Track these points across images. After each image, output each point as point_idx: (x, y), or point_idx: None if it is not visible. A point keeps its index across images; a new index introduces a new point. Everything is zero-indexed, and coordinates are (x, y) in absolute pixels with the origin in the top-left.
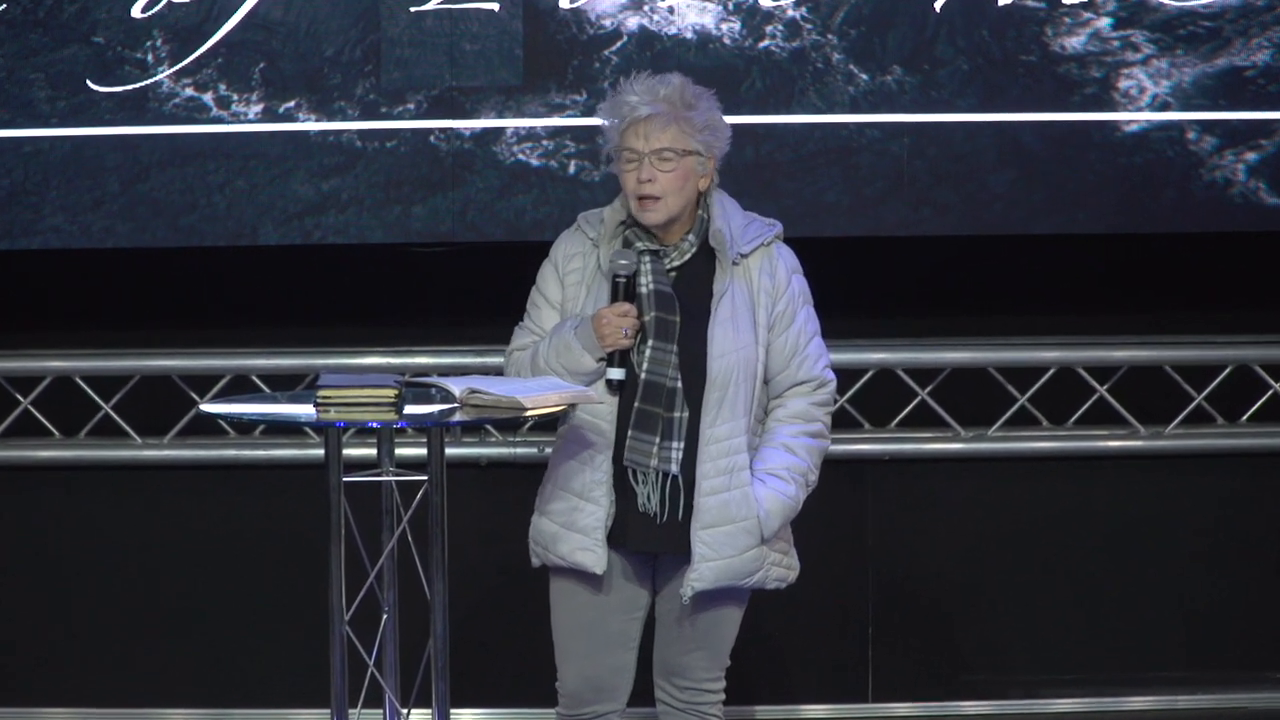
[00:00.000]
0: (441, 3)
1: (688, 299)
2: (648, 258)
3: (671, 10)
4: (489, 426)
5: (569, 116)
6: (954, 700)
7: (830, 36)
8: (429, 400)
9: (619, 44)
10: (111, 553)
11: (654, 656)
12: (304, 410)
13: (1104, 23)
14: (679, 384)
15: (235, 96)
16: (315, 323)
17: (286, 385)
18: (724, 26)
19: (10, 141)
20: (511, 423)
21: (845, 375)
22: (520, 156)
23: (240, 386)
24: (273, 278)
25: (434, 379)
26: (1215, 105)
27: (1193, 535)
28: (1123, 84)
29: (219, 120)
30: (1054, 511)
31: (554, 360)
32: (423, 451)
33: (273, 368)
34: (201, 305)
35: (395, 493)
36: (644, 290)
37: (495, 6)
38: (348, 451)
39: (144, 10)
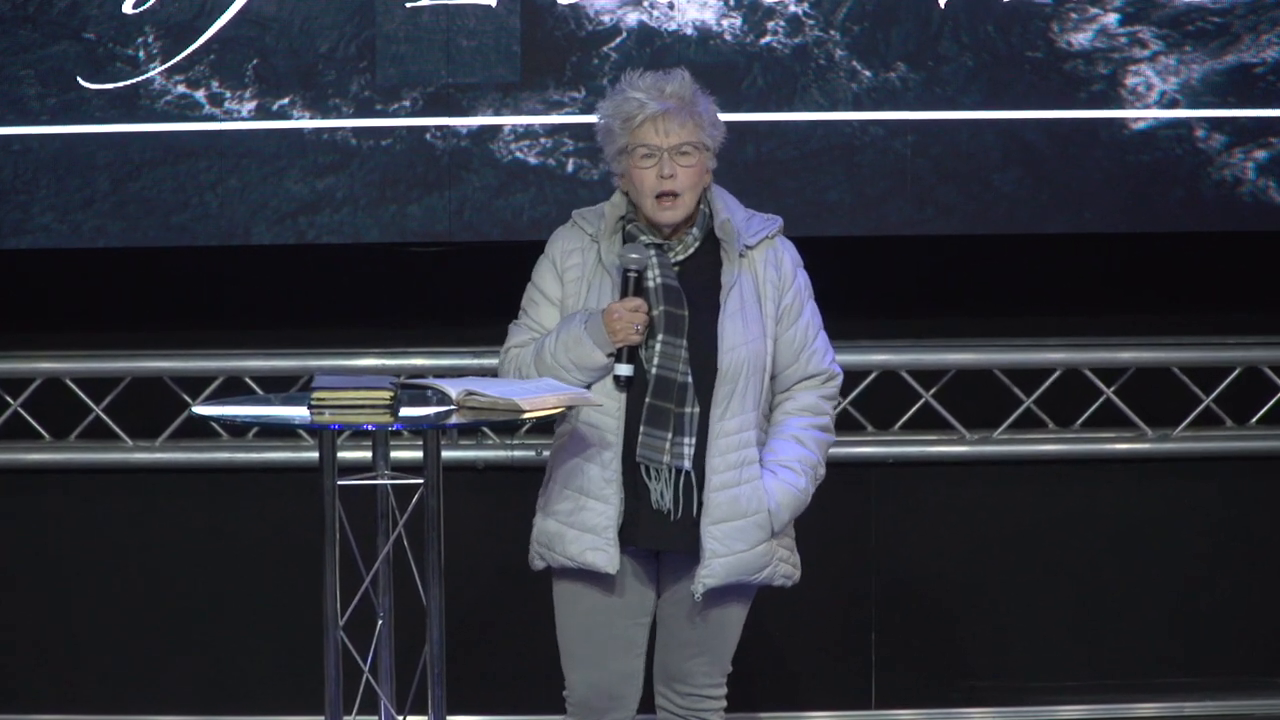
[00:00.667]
0: None
1: (694, 293)
2: (653, 251)
3: (672, 6)
4: (486, 429)
5: (567, 114)
6: (958, 707)
7: (833, 33)
8: (425, 402)
9: (618, 40)
10: (103, 557)
11: (655, 662)
12: (298, 412)
13: (1111, 19)
14: (689, 379)
15: (228, 93)
16: (309, 323)
17: (280, 387)
18: (725, 22)
19: None
20: (509, 425)
21: (848, 377)
22: (518, 155)
23: (233, 388)
24: (266, 278)
25: (430, 380)
26: (1224, 102)
27: (1200, 538)
28: (1130, 81)
29: (211, 118)
30: (1060, 515)
31: (562, 355)
32: (419, 454)
33: (266, 369)
34: (194, 306)
35: (391, 496)
36: (651, 284)
37: (492, 2)
38: (342, 454)
39: (135, 6)
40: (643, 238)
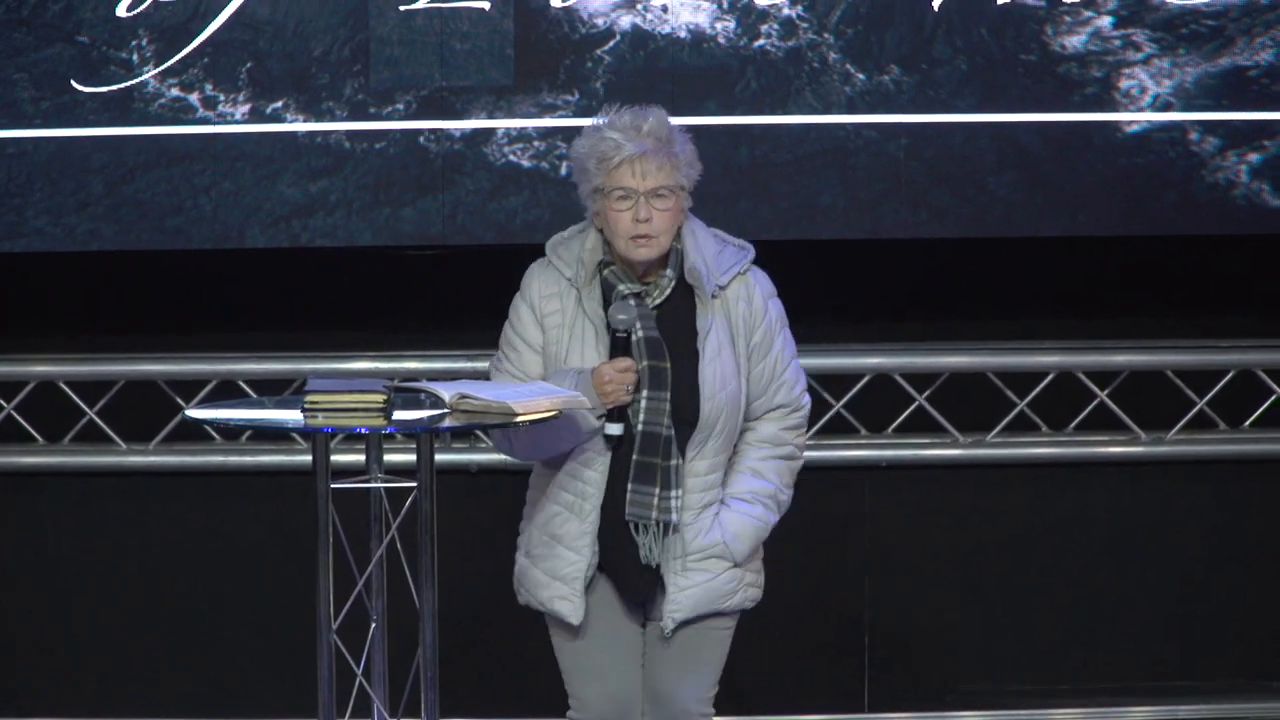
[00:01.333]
0: (431, 1)
1: (672, 338)
2: (633, 301)
3: (665, 9)
4: (479, 432)
5: (561, 117)
6: (952, 710)
7: (827, 35)
8: (418, 405)
9: (612, 43)
10: (97, 560)
11: (644, 682)
12: (291, 416)
13: (1105, 21)
14: (673, 431)
15: (222, 97)
16: (303, 327)
17: (274, 390)
18: (718, 25)
19: None
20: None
21: (842, 381)
22: (511, 158)
23: (227, 391)
24: (260, 281)
25: (423, 384)
26: (1218, 105)
27: (1194, 542)
28: (1124, 84)
29: (205, 121)
30: (1054, 518)
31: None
32: (412, 457)
33: (260, 372)
34: (188, 309)
35: (384, 499)
36: (634, 338)
37: (486, 5)
38: (336, 457)
39: (129, 9)
40: (622, 285)
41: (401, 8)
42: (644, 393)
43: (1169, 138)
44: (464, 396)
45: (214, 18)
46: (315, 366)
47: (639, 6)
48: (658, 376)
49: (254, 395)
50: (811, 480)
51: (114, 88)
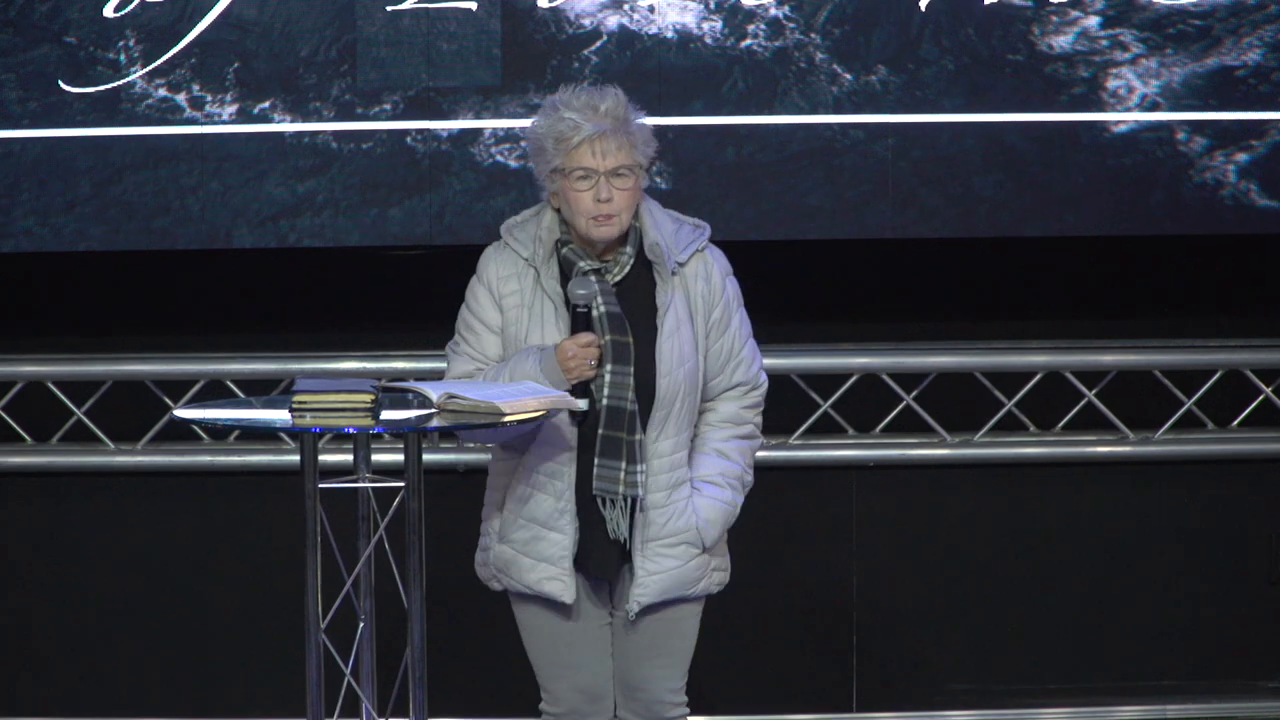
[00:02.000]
0: (418, 2)
1: (632, 314)
2: (594, 278)
3: (652, 9)
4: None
5: None
6: (940, 710)
7: (813, 36)
8: (406, 405)
9: (598, 44)
10: (84, 560)
11: (615, 678)
12: (279, 416)
13: (1092, 21)
14: (636, 406)
15: (209, 97)
16: (291, 327)
17: (262, 390)
18: (705, 25)
19: None
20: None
21: (829, 380)
22: (499, 158)
23: (215, 391)
24: (247, 281)
25: (411, 384)
26: (1205, 105)
27: (1183, 542)
28: (1111, 84)
29: (192, 121)
30: (1042, 518)
31: None
32: (400, 457)
33: (248, 372)
34: (175, 309)
35: (372, 499)
36: (596, 313)
37: (473, 6)
38: (323, 457)
39: (116, 10)
40: (582, 263)
41: (388, 8)
42: (608, 367)
43: (1156, 138)
44: (452, 396)
45: (201, 18)
46: (303, 366)
47: (626, 7)
48: (620, 351)
49: (242, 395)
50: (799, 480)
51: (101, 88)
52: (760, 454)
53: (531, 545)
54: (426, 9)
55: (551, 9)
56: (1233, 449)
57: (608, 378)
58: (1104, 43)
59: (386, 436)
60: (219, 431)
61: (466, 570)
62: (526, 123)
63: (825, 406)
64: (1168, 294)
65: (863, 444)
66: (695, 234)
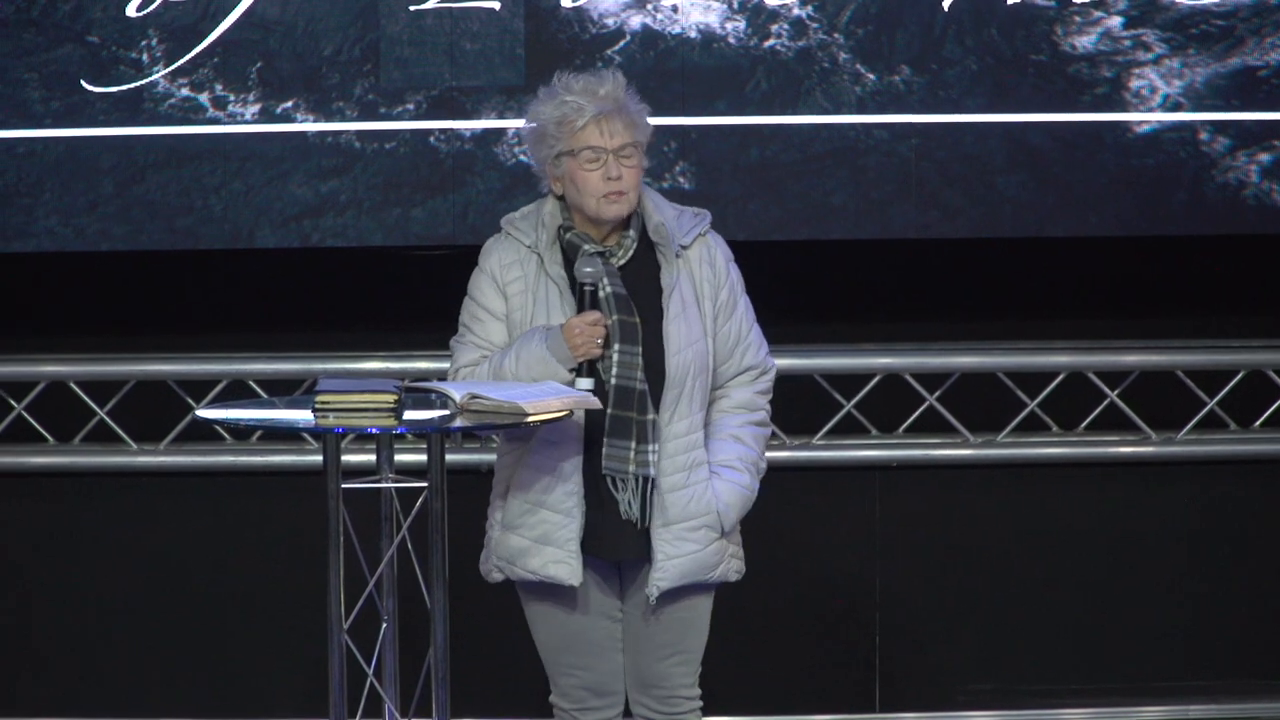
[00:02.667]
0: (441, 1)
1: (638, 297)
2: (599, 260)
3: (675, 9)
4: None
5: None
6: (962, 710)
7: (837, 36)
8: (429, 405)
9: (622, 43)
10: (107, 560)
11: (628, 671)
12: (302, 416)
13: (1115, 21)
14: (646, 386)
15: (232, 97)
16: (313, 327)
17: (284, 390)
18: (729, 25)
19: (3, 143)
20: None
21: (852, 380)
22: (522, 158)
23: (237, 392)
24: (270, 281)
25: (434, 384)
26: (1228, 105)
27: (1204, 542)
28: (1134, 84)
29: (215, 121)
30: (1064, 518)
31: (524, 374)
32: (423, 457)
33: (270, 372)
34: (198, 309)
35: (395, 499)
36: (603, 294)
37: (496, 5)
38: (346, 458)
39: (139, 9)
40: (586, 247)
41: (412, 8)
42: (616, 347)
43: (1179, 138)
44: (475, 396)
45: (224, 17)
46: (326, 366)
47: (649, 6)
48: (628, 331)
49: (264, 395)
50: (822, 480)
51: (124, 88)
52: (783, 454)
53: (537, 530)
54: (450, 8)
55: (575, 9)
56: (1255, 449)
57: (615, 357)
58: (1127, 43)
59: (410, 437)
60: (241, 432)
61: None
62: None
63: (848, 407)
64: (1190, 294)
65: (885, 444)
66: (697, 219)
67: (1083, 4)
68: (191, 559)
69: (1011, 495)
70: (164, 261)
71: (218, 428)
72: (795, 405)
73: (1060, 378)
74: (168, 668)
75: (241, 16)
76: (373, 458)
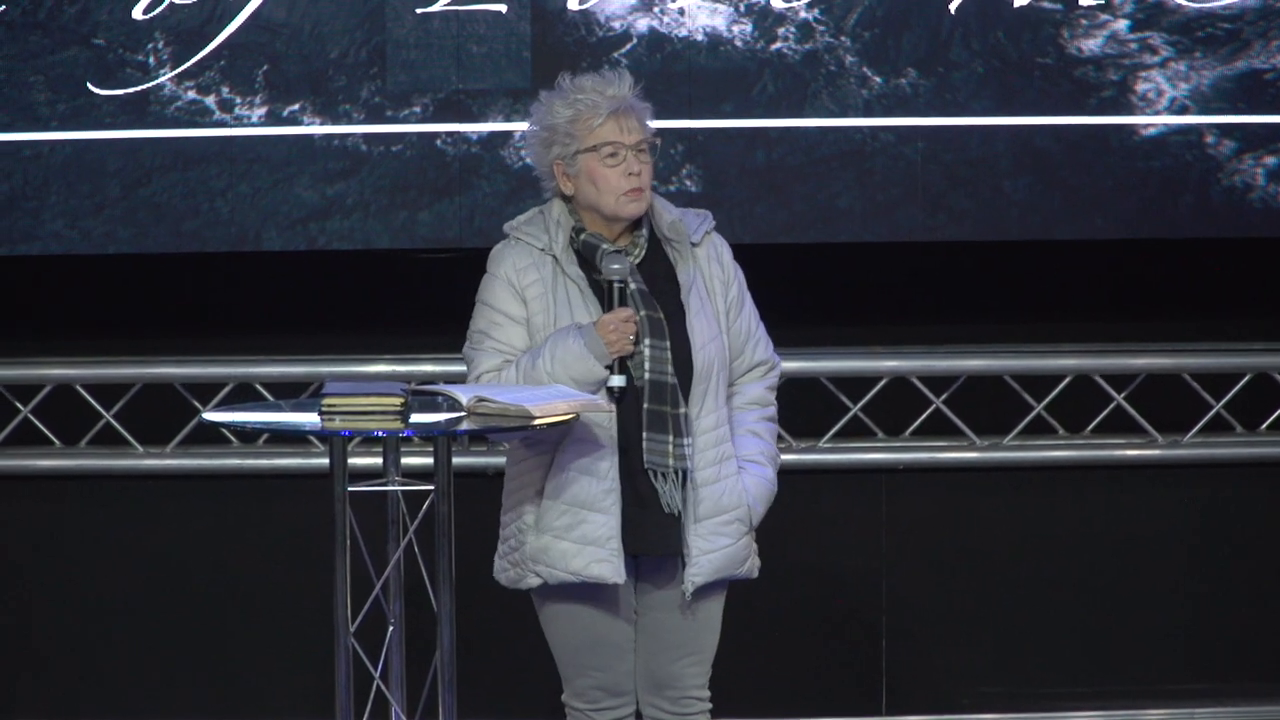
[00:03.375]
0: (448, 4)
1: (657, 294)
2: (624, 257)
3: (682, 12)
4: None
5: None
6: (969, 713)
7: (843, 39)
8: (436, 408)
9: (629, 46)
10: (113, 563)
11: (639, 672)
12: (308, 419)
13: (1121, 25)
14: (676, 380)
15: (238, 99)
16: (320, 330)
17: (291, 393)
18: (735, 28)
19: (10, 145)
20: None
21: (859, 383)
22: (528, 161)
23: (243, 394)
24: (277, 284)
25: (441, 387)
26: (1234, 108)
27: (1211, 544)
28: (1140, 87)
29: (222, 124)
30: (1071, 521)
31: (562, 373)
32: (429, 461)
33: (277, 375)
34: (204, 312)
35: (401, 502)
36: (630, 289)
37: (503, 8)
38: (353, 461)
39: (145, 12)
40: (605, 246)
41: (418, 10)
42: (646, 342)
43: (1185, 141)
44: (481, 399)
45: (230, 20)
46: (332, 369)
47: (656, 9)
48: (656, 326)
49: (271, 398)
50: (829, 483)
51: (130, 90)
52: (790, 456)
53: (576, 530)
54: (456, 11)
55: (582, 11)
56: (1262, 452)
57: (647, 352)
58: (1133, 46)
59: (416, 440)
60: (248, 434)
61: None
62: None
63: (855, 410)
64: (1196, 297)
65: (892, 447)
66: (701, 218)
67: (1089, 7)
68: (197, 562)
69: (1018, 498)
70: (170, 264)
71: (224, 430)
72: (802, 408)
73: (1067, 380)
74: (174, 671)
75: (248, 19)
76: (379, 461)
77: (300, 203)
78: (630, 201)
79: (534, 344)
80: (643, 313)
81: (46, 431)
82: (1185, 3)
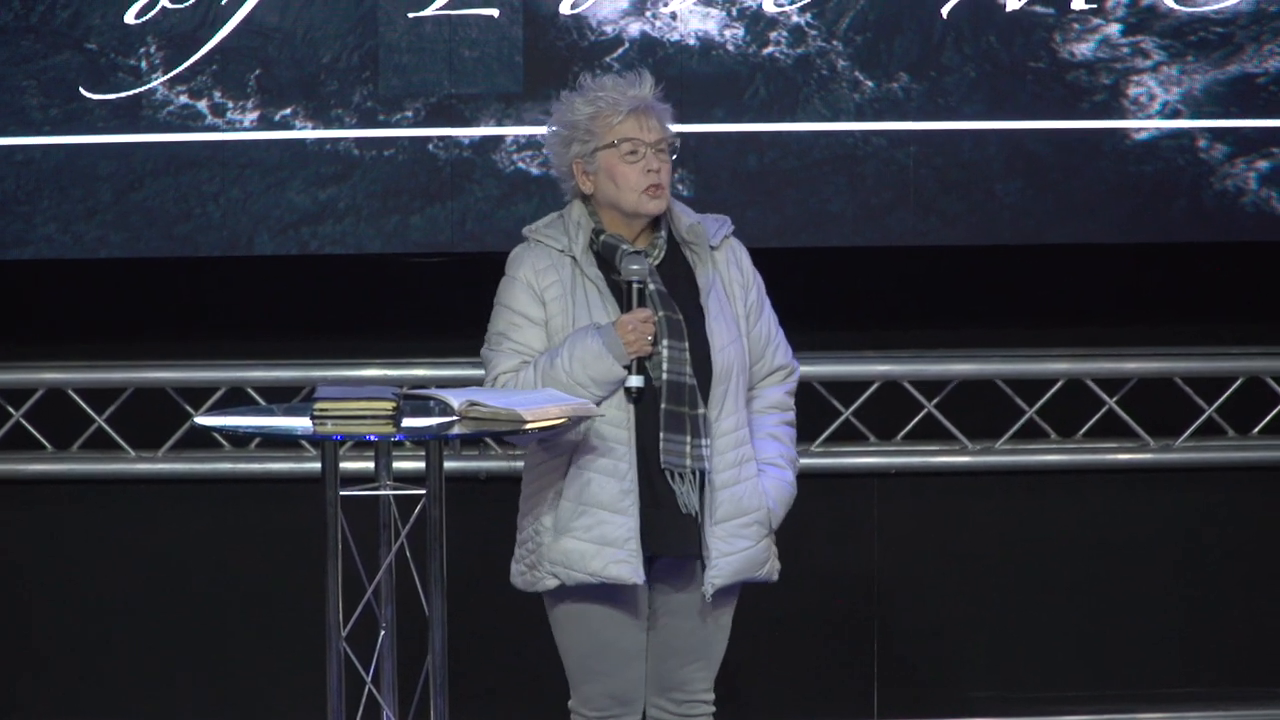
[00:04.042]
0: (440, 9)
1: (676, 296)
2: (643, 258)
3: (674, 16)
4: (488, 439)
5: None
6: (960, 717)
7: (835, 43)
8: (427, 413)
9: (620, 51)
10: (105, 567)
11: (648, 673)
12: (300, 423)
13: (1114, 29)
14: (695, 381)
15: (230, 104)
16: (312, 334)
17: (283, 397)
18: (727, 33)
19: (2, 150)
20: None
21: (850, 387)
22: (520, 165)
23: (236, 399)
24: (269, 288)
25: (432, 391)
26: (1226, 113)
27: (1203, 549)
28: (1132, 91)
29: (214, 128)
30: (1062, 525)
31: (581, 373)
32: (421, 465)
33: (269, 380)
34: (196, 316)
35: (393, 507)
36: (649, 290)
37: (495, 13)
38: (345, 465)
39: (137, 16)
40: (625, 246)
41: (410, 15)
42: (664, 342)
43: (1178, 145)
44: (473, 404)
45: (223, 25)
46: (324, 374)
47: (648, 14)
48: (674, 327)
49: (263, 402)
50: (820, 487)
51: (122, 95)
52: None
53: (595, 531)
54: (449, 16)
55: (574, 16)
56: (1254, 456)
57: (665, 353)
58: (1125, 50)
59: (408, 444)
60: (240, 439)
61: (487, 578)
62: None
63: (846, 414)
64: (1188, 301)
65: (884, 451)
66: (720, 223)
67: (1081, 11)
68: (190, 566)
69: (1010, 502)
70: (162, 268)
71: (216, 435)
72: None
73: (1058, 385)
74: (166, 676)
75: (240, 24)
76: (371, 465)
77: (292, 207)
78: (650, 199)
79: (552, 345)
80: (661, 313)
81: (38, 436)
82: (1177, 7)
